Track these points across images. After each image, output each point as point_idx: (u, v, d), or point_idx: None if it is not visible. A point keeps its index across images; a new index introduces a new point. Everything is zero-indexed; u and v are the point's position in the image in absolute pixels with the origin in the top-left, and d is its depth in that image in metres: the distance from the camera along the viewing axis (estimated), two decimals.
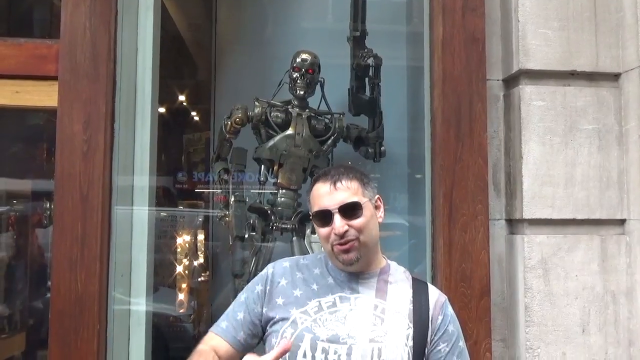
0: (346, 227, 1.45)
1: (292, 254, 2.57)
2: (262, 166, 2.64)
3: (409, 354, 1.42)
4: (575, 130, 2.18)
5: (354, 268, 1.50)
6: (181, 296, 3.91)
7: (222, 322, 1.54)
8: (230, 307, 1.57)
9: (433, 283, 2.21)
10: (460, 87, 2.20)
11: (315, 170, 2.62)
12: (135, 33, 2.29)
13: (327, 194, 1.49)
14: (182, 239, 3.94)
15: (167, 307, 3.87)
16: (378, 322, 1.44)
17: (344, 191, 1.48)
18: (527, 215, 2.13)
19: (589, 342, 2.11)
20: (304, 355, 1.40)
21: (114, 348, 2.12)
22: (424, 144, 2.39)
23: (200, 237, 3.95)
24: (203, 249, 3.95)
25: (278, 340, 1.43)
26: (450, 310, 1.55)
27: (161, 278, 3.88)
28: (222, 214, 2.75)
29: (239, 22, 3.54)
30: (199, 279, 3.97)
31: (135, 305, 2.23)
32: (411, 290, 1.52)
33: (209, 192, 3.62)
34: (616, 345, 2.12)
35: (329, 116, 2.69)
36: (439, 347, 1.48)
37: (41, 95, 2.18)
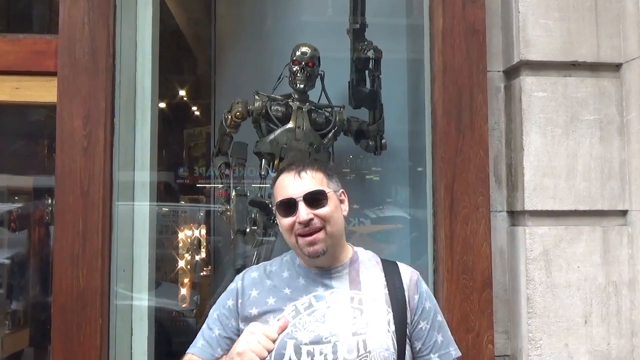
0: (311, 216, 1.44)
1: None
2: (263, 160, 2.63)
3: (392, 338, 1.43)
4: (577, 121, 2.17)
5: (320, 262, 1.49)
6: (183, 291, 3.92)
7: (198, 342, 1.52)
8: (204, 324, 1.56)
9: (435, 275, 2.21)
10: (460, 79, 2.19)
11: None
12: (134, 28, 2.29)
13: (291, 183, 1.48)
14: (184, 234, 3.95)
15: (170, 302, 3.88)
16: (357, 314, 1.44)
17: (309, 180, 1.48)
18: (528, 206, 2.12)
19: (591, 333, 2.11)
20: None
21: (117, 343, 2.13)
22: (424, 137, 2.38)
23: (202, 231, 3.95)
24: (205, 243, 3.96)
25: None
26: (424, 286, 1.55)
27: (163, 273, 3.89)
28: (224, 209, 2.74)
29: (238, 16, 3.52)
30: (201, 274, 3.98)
31: (137, 300, 2.24)
32: (383, 274, 1.52)
33: (210, 186, 3.62)
34: (618, 336, 2.12)
35: (329, 109, 2.68)
36: (420, 326, 1.49)
37: (41, 91, 2.17)
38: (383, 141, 2.72)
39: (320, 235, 1.45)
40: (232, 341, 1.48)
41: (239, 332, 1.48)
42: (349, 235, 2.89)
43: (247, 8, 3.48)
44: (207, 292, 3.88)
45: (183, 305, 3.95)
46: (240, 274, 1.59)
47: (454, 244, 2.13)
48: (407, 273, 1.54)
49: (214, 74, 3.52)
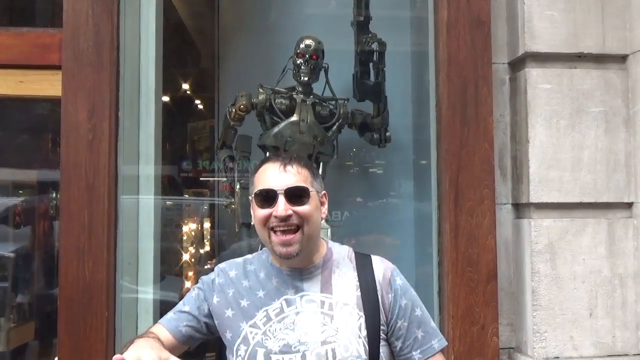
0: (290, 212, 1.38)
1: None
2: (267, 153, 2.62)
3: (364, 344, 1.37)
4: (582, 113, 2.16)
5: (292, 263, 1.43)
6: (188, 284, 3.93)
7: (169, 314, 1.51)
8: (180, 302, 1.54)
9: (439, 268, 2.21)
10: (465, 71, 2.18)
11: (321, 156, 2.61)
12: (137, 21, 2.29)
13: (275, 175, 1.41)
14: (188, 227, 3.95)
15: (174, 295, 3.88)
16: (327, 320, 1.39)
17: (294, 175, 1.41)
18: (533, 199, 2.12)
19: (596, 326, 2.11)
20: None
21: (122, 335, 2.13)
22: (429, 129, 2.37)
23: (206, 225, 3.96)
24: (209, 236, 3.96)
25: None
26: (398, 282, 1.46)
27: (168, 266, 3.89)
28: (228, 202, 2.74)
29: (242, 9, 3.51)
30: (206, 267, 3.99)
31: (142, 293, 2.24)
32: (355, 274, 1.46)
33: (214, 180, 3.62)
34: (623, 329, 2.12)
35: (333, 102, 2.68)
36: (398, 325, 1.43)
37: (45, 85, 2.18)
38: (387, 134, 2.72)
39: (297, 236, 1.38)
40: (197, 321, 1.47)
41: (206, 316, 1.47)
42: (353, 229, 2.89)
43: (251, 0, 3.47)
44: None
45: None
46: (222, 266, 1.54)
47: (458, 237, 2.13)
48: (380, 270, 1.47)
49: (217, 67, 3.51)
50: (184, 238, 3.95)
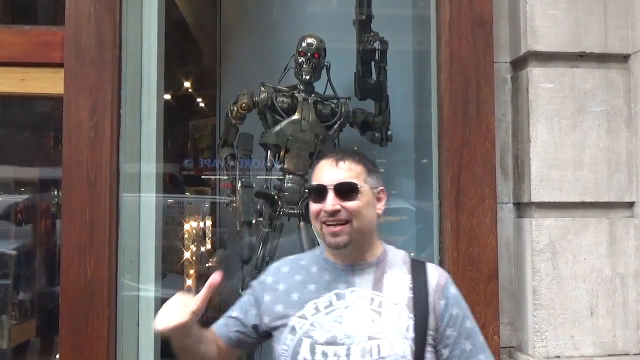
0: (338, 207, 1.40)
1: (300, 239, 2.58)
2: (269, 152, 2.63)
3: (410, 345, 1.37)
4: (584, 113, 2.16)
5: (343, 255, 1.45)
6: (189, 282, 3.93)
7: (220, 319, 1.54)
8: (234, 304, 1.56)
9: (441, 267, 2.21)
10: (467, 70, 2.18)
11: None
12: (140, 19, 2.28)
13: (327, 171, 1.44)
14: (190, 225, 3.96)
15: (175, 293, 3.89)
16: (375, 317, 1.39)
17: (345, 171, 1.43)
18: (535, 198, 2.12)
19: (597, 325, 2.11)
20: None
21: (124, 333, 2.14)
22: (430, 128, 2.37)
23: (208, 223, 3.96)
24: (210, 235, 3.96)
25: (280, 347, 1.42)
26: (452, 291, 1.47)
27: (169, 264, 3.90)
28: (229, 200, 2.75)
29: (244, 7, 3.51)
30: (207, 265, 3.99)
31: (144, 291, 2.25)
32: (410, 276, 1.46)
33: (215, 178, 3.62)
34: (624, 328, 2.12)
35: (335, 101, 2.68)
36: (447, 333, 1.42)
37: (47, 83, 2.18)
38: (389, 133, 2.72)
39: (346, 228, 1.40)
40: (244, 326, 1.49)
41: (259, 324, 1.48)
42: None
43: None
44: None
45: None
46: (275, 265, 1.57)
47: (460, 236, 2.13)
48: (435, 276, 1.46)
49: (219, 65, 3.52)
50: (186, 236, 3.95)
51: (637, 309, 2.13)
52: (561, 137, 2.15)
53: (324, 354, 1.36)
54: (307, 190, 1.53)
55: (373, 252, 1.49)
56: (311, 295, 1.44)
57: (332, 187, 1.41)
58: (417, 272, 1.47)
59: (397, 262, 1.50)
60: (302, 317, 1.42)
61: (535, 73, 2.15)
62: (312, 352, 1.37)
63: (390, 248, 1.54)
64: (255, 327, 1.49)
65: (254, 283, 1.55)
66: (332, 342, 1.37)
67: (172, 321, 1.32)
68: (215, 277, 1.36)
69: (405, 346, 1.37)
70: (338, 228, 1.41)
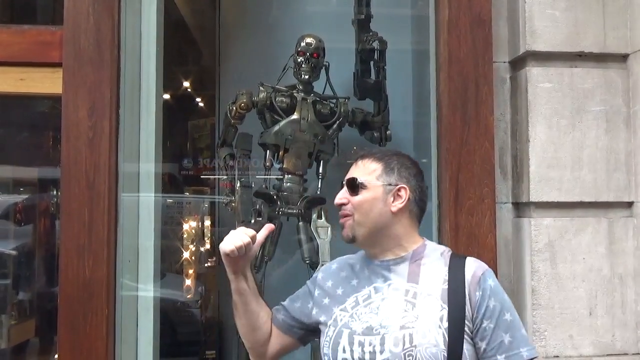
0: (343, 200, 1.52)
1: (298, 239, 2.58)
2: (268, 151, 2.63)
3: (444, 335, 1.39)
4: (583, 112, 2.16)
5: (371, 252, 1.54)
6: (188, 282, 3.94)
7: (293, 297, 1.65)
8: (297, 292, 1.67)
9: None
10: (466, 69, 2.18)
11: (321, 155, 2.61)
12: (139, 18, 2.28)
13: (351, 168, 1.57)
14: (189, 225, 3.96)
15: (175, 293, 3.89)
16: (409, 307, 1.43)
17: (359, 169, 1.54)
18: (534, 198, 2.12)
19: (596, 325, 2.11)
20: (344, 351, 1.44)
21: (122, 333, 2.14)
22: (429, 128, 2.37)
23: (207, 223, 3.96)
24: (209, 234, 3.96)
25: (323, 340, 1.50)
26: (489, 283, 1.47)
27: (168, 264, 3.90)
28: (228, 200, 2.75)
29: (243, 7, 3.51)
30: (206, 265, 4.00)
31: (142, 291, 2.25)
32: (446, 269, 1.49)
33: (214, 178, 3.62)
34: (623, 328, 2.12)
35: (334, 100, 2.68)
36: (483, 325, 1.42)
37: (45, 82, 2.17)
38: (388, 132, 2.72)
39: (348, 221, 1.51)
40: (303, 314, 1.59)
41: (310, 314, 1.57)
42: None
43: None
44: (212, 283, 3.89)
45: (188, 296, 3.97)
46: (326, 265, 1.71)
47: (459, 236, 2.13)
48: (472, 268, 1.49)
49: (218, 65, 3.52)
50: (185, 236, 3.95)
51: (636, 309, 2.13)
52: (560, 136, 2.15)
53: (361, 344, 1.43)
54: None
55: (404, 247, 1.53)
56: (353, 289, 1.53)
57: (345, 182, 1.54)
58: (454, 265, 1.50)
59: (434, 256, 1.54)
60: (344, 309, 1.50)
61: (534, 73, 2.15)
62: (351, 342, 1.44)
63: (430, 243, 1.59)
64: (301, 319, 1.59)
65: (309, 282, 1.66)
66: (368, 333, 1.43)
67: (237, 242, 1.44)
68: (272, 226, 1.54)
69: (438, 336, 1.39)
70: (342, 220, 1.52)
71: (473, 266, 1.50)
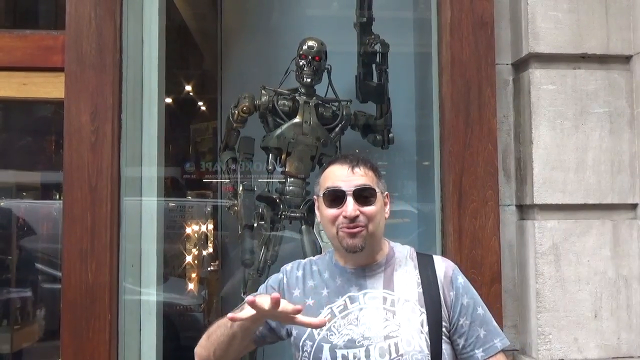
0: (358, 212, 1.42)
1: (302, 243, 2.57)
2: (270, 155, 2.62)
3: (426, 339, 1.40)
4: (586, 114, 2.15)
5: (357, 258, 1.47)
6: (191, 286, 3.93)
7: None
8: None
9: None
10: (469, 72, 2.17)
11: (324, 158, 2.61)
12: (140, 23, 2.28)
13: (344, 176, 1.46)
14: (191, 229, 3.95)
15: (177, 297, 3.89)
16: (390, 316, 1.42)
17: (362, 176, 1.46)
18: (537, 200, 2.11)
19: (601, 328, 2.10)
20: None
21: (125, 337, 2.13)
22: (432, 131, 2.37)
23: (209, 226, 3.96)
24: (212, 238, 3.96)
25: (300, 355, 1.44)
26: (460, 280, 1.50)
27: (171, 268, 3.90)
28: (231, 204, 2.75)
29: (244, 11, 3.51)
30: (209, 269, 3.99)
31: (145, 295, 2.24)
32: (417, 271, 1.49)
33: (217, 181, 3.62)
34: (628, 330, 2.11)
35: (336, 104, 2.68)
36: (460, 322, 1.46)
37: (48, 87, 2.18)
38: (390, 135, 2.72)
39: (362, 231, 1.43)
40: (269, 324, 1.49)
41: (279, 324, 1.50)
42: None
43: (253, 2, 3.47)
44: (215, 287, 3.88)
45: (191, 300, 3.96)
46: (287, 268, 1.58)
47: (462, 238, 2.12)
48: (442, 268, 1.50)
49: (220, 68, 3.52)
50: (187, 240, 3.95)
51: None
52: (563, 138, 2.14)
53: (344, 357, 1.39)
54: (317, 195, 1.53)
55: (382, 253, 1.52)
56: (325, 300, 1.47)
57: (351, 192, 1.43)
58: (424, 267, 1.50)
59: (404, 258, 1.53)
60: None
61: (537, 75, 2.15)
62: (333, 356, 1.40)
63: (395, 245, 1.57)
64: (276, 327, 1.50)
65: (271, 281, 1.56)
66: (350, 346, 1.40)
67: (265, 305, 1.29)
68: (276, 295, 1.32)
69: (421, 341, 1.40)
70: (355, 230, 1.43)
71: (443, 266, 1.51)
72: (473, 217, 2.13)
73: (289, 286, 1.52)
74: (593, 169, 2.14)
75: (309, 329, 1.43)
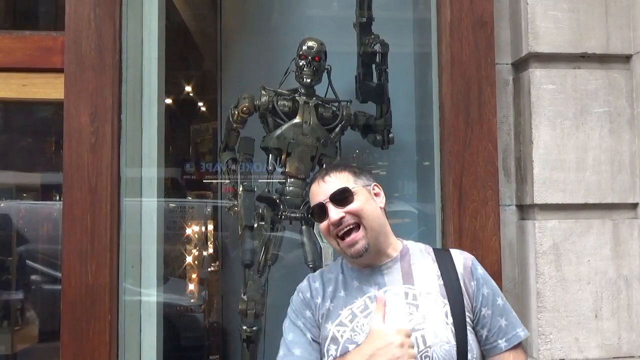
0: (341, 214, 1.45)
1: (302, 243, 2.57)
2: (270, 155, 2.62)
3: (451, 330, 1.41)
4: (586, 114, 2.15)
5: (366, 259, 1.48)
6: (191, 286, 3.93)
7: (295, 350, 1.47)
8: (289, 335, 1.50)
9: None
10: (468, 72, 2.17)
11: (324, 158, 2.60)
12: (140, 23, 2.28)
13: (319, 190, 1.50)
14: (192, 230, 3.95)
15: (178, 298, 3.89)
16: (413, 309, 1.43)
17: (333, 182, 1.50)
18: (538, 200, 2.11)
19: (602, 327, 2.10)
20: None
21: (126, 338, 2.13)
22: (432, 131, 2.37)
23: (210, 227, 3.96)
24: (212, 239, 3.96)
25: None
26: (479, 271, 1.52)
27: (171, 269, 3.90)
28: (231, 204, 2.74)
29: (244, 11, 3.51)
30: (209, 269, 3.99)
31: (146, 296, 2.24)
32: (436, 265, 1.50)
33: (217, 182, 3.62)
34: (629, 330, 2.11)
35: (336, 104, 2.67)
36: (482, 313, 1.47)
37: (48, 88, 2.18)
38: (390, 135, 2.71)
39: (360, 233, 1.45)
40: (319, 346, 1.47)
41: (319, 339, 1.48)
42: None
43: (253, 3, 3.47)
44: (215, 287, 3.88)
45: (191, 301, 3.96)
46: (302, 285, 1.57)
47: (462, 238, 2.12)
48: (460, 260, 1.52)
49: (220, 69, 3.52)
50: (187, 240, 3.95)
51: None
52: (564, 138, 2.14)
53: None
54: (310, 215, 1.60)
55: (394, 247, 1.53)
56: (344, 302, 1.48)
57: (328, 199, 1.47)
58: (442, 260, 1.52)
59: (420, 252, 1.54)
60: (340, 324, 1.45)
61: (537, 74, 2.15)
62: None
63: (409, 242, 1.58)
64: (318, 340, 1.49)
65: (295, 305, 1.54)
66: None
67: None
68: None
69: (447, 332, 1.41)
70: (352, 236, 1.45)
71: (461, 258, 1.53)
72: (473, 217, 2.12)
73: (312, 298, 1.53)
74: (593, 169, 2.14)
75: (331, 332, 1.43)
